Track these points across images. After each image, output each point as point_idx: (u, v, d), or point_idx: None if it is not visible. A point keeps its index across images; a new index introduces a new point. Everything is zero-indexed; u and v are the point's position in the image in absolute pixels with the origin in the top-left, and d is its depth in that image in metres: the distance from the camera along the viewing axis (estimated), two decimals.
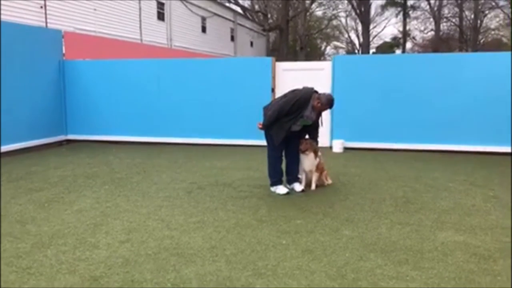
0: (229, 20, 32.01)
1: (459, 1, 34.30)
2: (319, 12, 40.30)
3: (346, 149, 8.21)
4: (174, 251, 3.48)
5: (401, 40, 42.49)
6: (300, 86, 5.19)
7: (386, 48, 44.05)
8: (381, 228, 4.00)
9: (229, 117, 8.76)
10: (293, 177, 5.37)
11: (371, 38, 40.58)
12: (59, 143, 9.17)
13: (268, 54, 32.03)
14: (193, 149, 8.46)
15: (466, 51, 32.54)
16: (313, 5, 35.44)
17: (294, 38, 35.94)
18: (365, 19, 35.71)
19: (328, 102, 4.99)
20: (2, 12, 11.82)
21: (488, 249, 3.52)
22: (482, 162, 7.14)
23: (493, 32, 37.11)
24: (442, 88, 7.93)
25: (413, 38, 42.11)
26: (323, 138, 6.74)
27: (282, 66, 8.74)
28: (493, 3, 32.16)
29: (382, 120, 8.20)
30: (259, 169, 6.34)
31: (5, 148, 7.69)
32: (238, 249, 3.52)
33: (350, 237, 3.79)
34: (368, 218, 4.28)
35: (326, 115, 5.85)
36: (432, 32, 37.86)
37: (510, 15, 30.57)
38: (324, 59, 41.38)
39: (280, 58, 17.10)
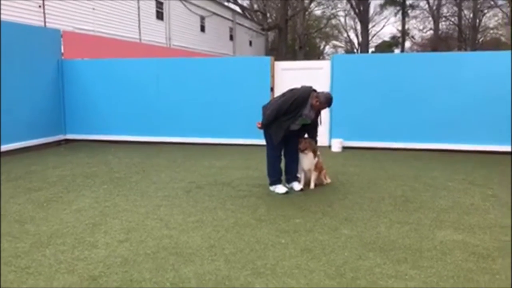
0: (228, 19, 32.01)
1: (458, 0, 34.33)
2: (318, 12, 40.43)
3: (345, 148, 8.20)
4: (173, 251, 3.48)
5: (400, 39, 42.52)
6: (298, 85, 5.19)
7: (385, 47, 44.02)
8: (380, 227, 4.00)
9: (228, 117, 8.76)
10: (292, 176, 5.37)
11: (370, 37, 40.66)
12: (58, 143, 9.16)
13: (267, 54, 32.10)
14: (192, 148, 8.46)
15: (465, 50, 32.62)
16: (312, 4, 35.53)
17: (293, 38, 35.90)
18: (364, 18, 35.76)
19: (327, 100, 4.99)
20: (1, 11, 11.80)
21: (487, 248, 3.52)
22: (481, 161, 7.14)
23: (492, 31, 37.18)
24: (441, 87, 7.93)
25: (412, 37, 42.20)
26: (322, 137, 6.74)
27: (281, 66, 8.74)
28: (492, 2, 32.19)
29: (381, 119, 8.20)
30: (258, 168, 6.34)
31: (4, 147, 7.68)
32: (237, 248, 3.52)
33: (349, 236, 3.79)
34: (367, 217, 4.28)
35: (325, 114, 5.85)
36: (431, 31, 37.92)
37: (508, 14, 30.59)
38: (323, 58, 41.39)
39: (279, 58, 17.12)
